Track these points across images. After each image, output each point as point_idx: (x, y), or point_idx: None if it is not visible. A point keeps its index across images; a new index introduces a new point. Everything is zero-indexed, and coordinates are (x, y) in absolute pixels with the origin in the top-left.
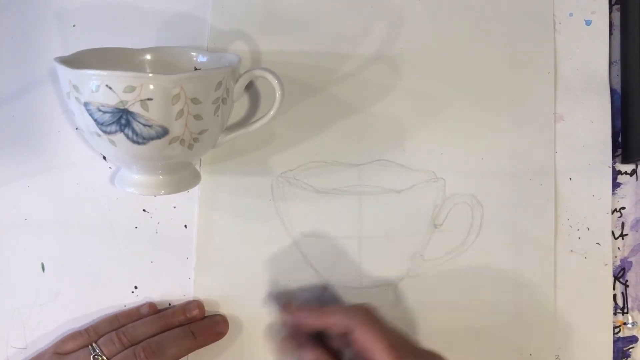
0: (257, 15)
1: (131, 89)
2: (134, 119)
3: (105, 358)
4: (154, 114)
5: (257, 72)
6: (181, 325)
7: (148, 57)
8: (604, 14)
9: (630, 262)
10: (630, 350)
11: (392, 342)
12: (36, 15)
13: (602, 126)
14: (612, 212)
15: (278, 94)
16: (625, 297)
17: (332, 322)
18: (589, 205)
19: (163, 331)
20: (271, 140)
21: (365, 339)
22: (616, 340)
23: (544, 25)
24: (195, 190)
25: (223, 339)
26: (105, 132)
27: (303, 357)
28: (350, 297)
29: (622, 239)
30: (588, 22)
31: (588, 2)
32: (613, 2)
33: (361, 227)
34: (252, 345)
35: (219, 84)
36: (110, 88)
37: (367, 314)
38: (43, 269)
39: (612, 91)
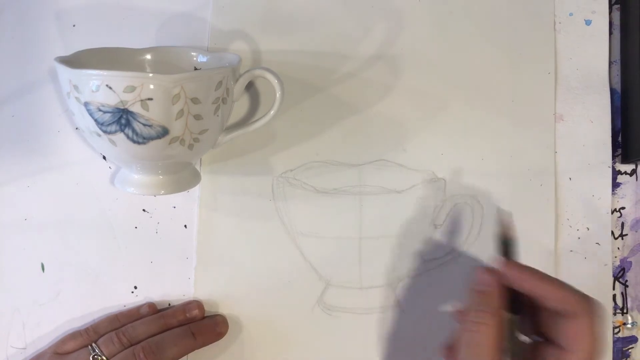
0: (257, 15)
1: (131, 89)
2: (134, 118)
3: (105, 358)
4: (154, 114)
5: (257, 72)
6: (181, 325)
7: (148, 57)
8: (604, 14)
9: (630, 262)
10: (630, 350)
11: (594, 352)
12: (36, 15)
13: (602, 126)
14: (612, 212)
15: (278, 94)
16: (624, 297)
17: (558, 295)
18: (589, 205)
19: (163, 331)
20: (271, 140)
21: (581, 333)
22: (616, 341)
23: (544, 25)
24: (195, 190)
25: (223, 339)
26: (105, 132)
27: (478, 275)
28: (350, 297)
29: (622, 239)
30: (588, 22)
31: (588, 2)
32: (613, 2)
33: (361, 227)
34: (252, 345)
35: (219, 83)
36: (110, 88)
37: (601, 311)
38: (43, 269)
39: (612, 91)
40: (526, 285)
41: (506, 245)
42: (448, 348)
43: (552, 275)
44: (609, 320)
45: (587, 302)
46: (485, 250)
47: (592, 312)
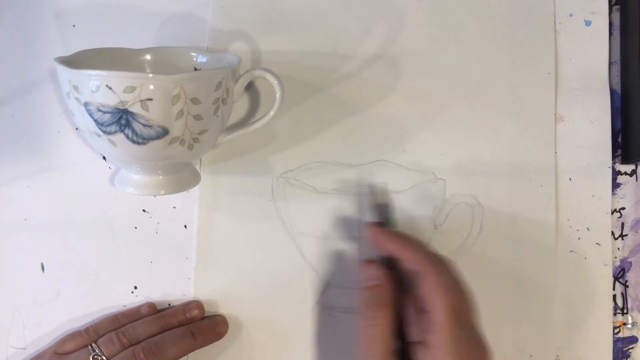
0: (257, 15)
1: (131, 89)
2: (134, 119)
3: (104, 358)
4: (154, 114)
5: (257, 73)
6: (181, 325)
7: (148, 57)
8: (604, 14)
9: (630, 263)
10: (630, 350)
11: (456, 304)
12: (36, 15)
13: (602, 126)
14: (612, 213)
15: (278, 94)
16: (625, 297)
17: (409, 255)
18: (589, 206)
19: (163, 331)
20: (271, 141)
21: (433, 289)
22: (616, 341)
23: (544, 25)
24: (195, 190)
25: (223, 339)
26: (105, 132)
27: (363, 270)
28: (350, 298)
29: (622, 239)
30: (588, 23)
31: (588, 2)
32: (613, 2)
33: (361, 228)
34: (252, 345)
35: (219, 84)
36: (110, 88)
37: (443, 265)
38: (43, 269)
39: (612, 91)
40: (388, 248)
41: (380, 210)
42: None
43: (552, 275)
44: (609, 320)
45: (431, 259)
46: (485, 250)
47: (438, 268)
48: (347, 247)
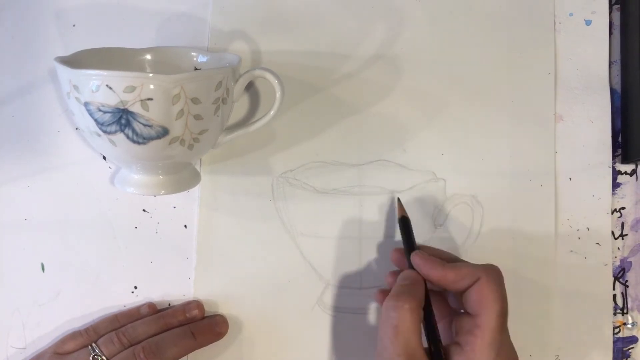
0: (257, 15)
1: (131, 89)
2: (134, 119)
3: (105, 358)
4: (154, 114)
5: (257, 72)
6: (181, 325)
7: (148, 57)
8: (604, 14)
9: (630, 262)
10: (630, 350)
11: (505, 311)
12: (36, 15)
13: (602, 126)
14: (612, 212)
15: (278, 94)
16: (625, 297)
17: (457, 276)
18: (589, 205)
19: (163, 331)
20: (271, 141)
21: (485, 294)
22: (616, 341)
23: (544, 25)
24: (195, 190)
25: (223, 339)
26: (105, 132)
27: (400, 274)
28: (350, 298)
29: (622, 239)
30: (588, 22)
31: (588, 2)
32: (613, 2)
33: (361, 228)
34: (252, 345)
35: (219, 84)
36: (110, 88)
37: (498, 273)
38: (43, 269)
39: (612, 91)
40: (432, 277)
41: (403, 223)
42: (381, 293)
43: (552, 275)
44: (609, 320)
45: (480, 269)
46: (485, 250)
47: (488, 275)
48: (347, 247)
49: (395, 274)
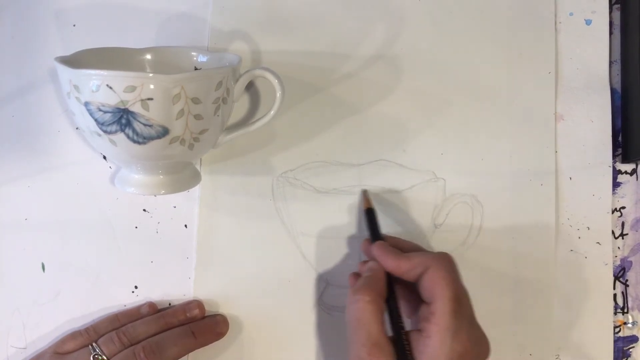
0: (257, 15)
1: (132, 89)
2: (135, 118)
3: (105, 358)
4: (155, 114)
5: (258, 72)
6: (181, 325)
7: (148, 57)
8: (604, 14)
9: (630, 262)
10: (631, 350)
11: (458, 295)
12: (36, 15)
13: (602, 126)
14: (612, 212)
15: (278, 94)
16: (625, 296)
17: (409, 266)
18: (589, 205)
19: (163, 331)
20: (271, 140)
21: (436, 280)
22: (616, 340)
23: (544, 25)
24: (195, 190)
25: (223, 338)
26: (105, 132)
27: (361, 266)
28: None
29: (622, 238)
30: (588, 22)
31: (588, 2)
32: (613, 2)
33: (361, 227)
34: (252, 345)
35: (220, 83)
36: (110, 88)
37: (448, 259)
38: (43, 269)
39: (612, 91)
40: (388, 267)
41: (367, 216)
42: (353, 277)
43: (552, 275)
44: (610, 319)
45: (430, 257)
46: (485, 250)
47: (437, 263)
48: (347, 247)
49: (366, 264)
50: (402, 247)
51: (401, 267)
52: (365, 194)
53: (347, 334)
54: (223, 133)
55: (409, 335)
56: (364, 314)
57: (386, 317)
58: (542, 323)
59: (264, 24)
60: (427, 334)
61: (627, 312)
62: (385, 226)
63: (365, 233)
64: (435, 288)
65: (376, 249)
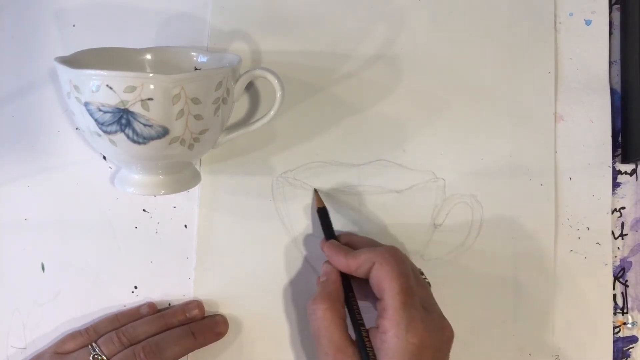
0: (257, 15)
1: (132, 89)
2: (135, 118)
3: (105, 358)
4: (155, 114)
5: (258, 72)
6: (181, 325)
7: (148, 57)
8: (604, 14)
9: (630, 262)
10: (630, 350)
11: (406, 286)
12: (36, 15)
13: (602, 126)
14: (612, 212)
15: (278, 94)
16: (625, 297)
17: (357, 263)
18: (589, 205)
19: (163, 331)
20: (271, 140)
21: (382, 275)
22: (616, 340)
23: (544, 25)
24: (195, 190)
25: (223, 339)
26: (105, 132)
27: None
28: None
29: (622, 239)
30: (588, 22)
31: (588, 2)
32: (613, 2)
33: (361, 228)
34: (252, 345)
35: (220, 84)
36: (110, 88)
37: (392, 253)
38: (43, 269)
39: (612, 91)
40: (339, 266)
41: (321, 214)
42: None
43: (552, 275)
44: (609, 320)
45: (374, 253)
46: (485, 250)
47: (382, 258)
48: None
49: (323, 265)
50: (356, 244)
51: (350, 265)
52: (316, 194)
53: (314, 340)
54: (223, 133)
55: (370, 331)
56: (323, 323)
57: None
58: (542, 323)
59: (264, 24)
60: (383, 330)
61: (626, 313)
62: (386, 227)
63: (366, 232)
64: (382, 284)
65: (326, 249)
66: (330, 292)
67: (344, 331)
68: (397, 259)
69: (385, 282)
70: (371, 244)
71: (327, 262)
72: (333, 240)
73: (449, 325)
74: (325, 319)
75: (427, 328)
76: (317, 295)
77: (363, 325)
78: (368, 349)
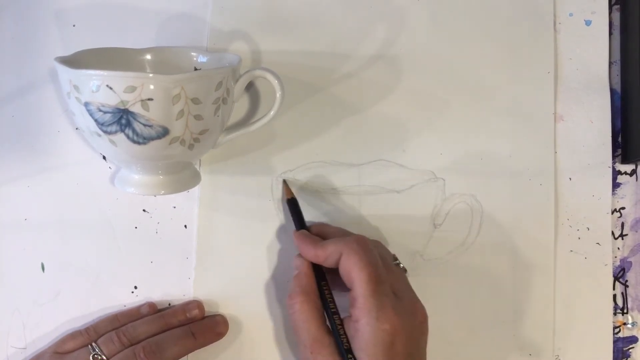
0: (257, 15)
1: (132, 89)
2: (135, 119)
3: (105, 357)
4: (155, 114)
5: (258, 72)
6: (181, 325)
7: (148, 57)
8: (604, 14)
9: (630, 262)
10: (630, 350)
11: (374, 275)
12: (36, 15)
13: (602, 126)
14: (612, 212)
15: (278, 94)
16: (625, 297)
17: (325, 254)
18: (589, 205)
19: (163, 331)
20: (271, 141)
21: (350, 265)
22: (616, 340)
23: (544, 25)
24: (195, 190)
25: (223, 339)
26: (105, 132)
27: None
28: None
29: (622, 239)
30: (588, 22)
31: (588, 2)
32: (613, 2)
33: (361, 228)
34: (252, 345)
35: (220, 84)
36: (110, 88)
37: (359, 242)
38: (43, 269)
39: (612, 91)
40: (308, 258)
41: (291, 204)
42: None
43: (552, 275)
44: (609, 320)
45: (341, 243)
46: (484, 250)
47: (349, 248)
48: None
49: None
50: (327, 234)
51: (319, 256)
52: (285, 184)
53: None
54: (223, 133)
55: (344, 321)
56: (300, 317)
57: None
58: (542, 323)
59: (264, 24)
60: (355, 318)
61: (626, 313)
62: (386, 226)
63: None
64: (351, 274)
65: (295, 239)
66: (303, 285)
67: (321, 322)
68: (365, 248)
69: (353, 272)
70: (343, 234)
71: (299, 255)
72: (303, 230)
73: (422, 308)
74: (302, 312)
75: (397, 313)
76: (291, 290)
77: (337, 314)
78: (342, 337)
